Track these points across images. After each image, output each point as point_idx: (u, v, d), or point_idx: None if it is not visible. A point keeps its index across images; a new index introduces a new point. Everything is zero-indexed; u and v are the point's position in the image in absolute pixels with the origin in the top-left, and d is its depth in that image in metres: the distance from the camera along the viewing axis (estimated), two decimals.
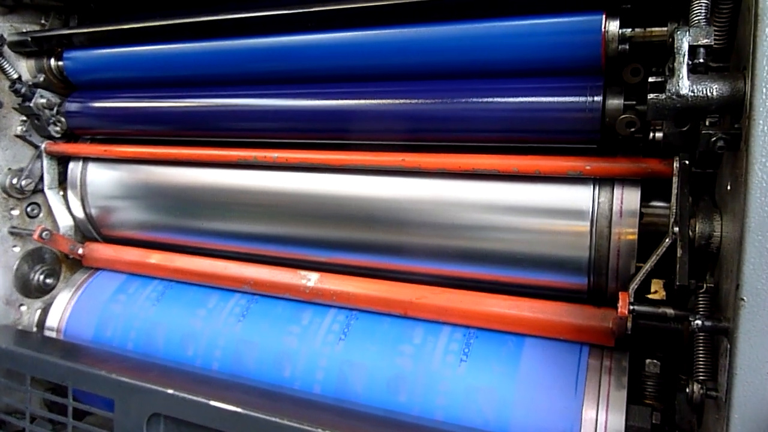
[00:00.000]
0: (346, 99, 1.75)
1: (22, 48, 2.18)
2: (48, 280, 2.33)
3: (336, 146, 1.83)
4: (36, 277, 2.30)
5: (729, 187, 1.20)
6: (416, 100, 1.66)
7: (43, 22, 2.25)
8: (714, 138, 1.15)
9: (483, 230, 1.66)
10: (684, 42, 1.14)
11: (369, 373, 1.69)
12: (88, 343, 2.07)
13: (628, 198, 1.51)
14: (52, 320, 2.19)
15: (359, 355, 1.72)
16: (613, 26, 1.44)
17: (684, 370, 1.44)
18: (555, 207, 1.58)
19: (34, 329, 2.26)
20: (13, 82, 2.14)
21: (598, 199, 1.54)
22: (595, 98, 1.47)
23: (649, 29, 1.42)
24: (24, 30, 2.20)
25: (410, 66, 1.68)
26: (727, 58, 1.28)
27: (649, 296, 1.57)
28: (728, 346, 1.11)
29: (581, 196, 1.56)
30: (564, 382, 1.55)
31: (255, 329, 1.89)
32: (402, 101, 1.67)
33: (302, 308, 1.90)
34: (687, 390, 1.28)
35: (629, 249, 1.52)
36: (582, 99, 1.49)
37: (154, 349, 1.96)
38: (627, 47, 1.46)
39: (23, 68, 2.22)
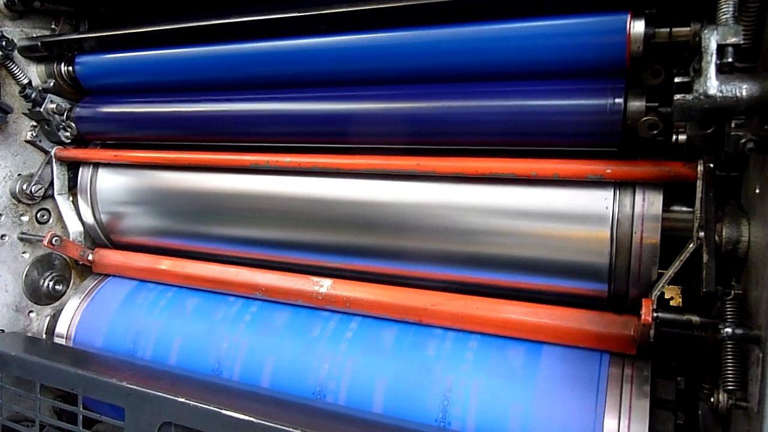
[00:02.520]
0: (363, 102, 1.73)
1: (33, 53, 2.18)
2: (58, 287, 2.31)
3: (351, 150, 1.80)
4: (46, 284, 2.29)
5: (758, 191, 1.17)
6: (433, 103, 1.63)
7: (53, 26, 2.24)
8: (743, 140, 1.11)
9: (500, 235, 1.63)
10: (712, 41, 1.10)
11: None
12: (98, 350, 2.05)
13: (650, 202, 1.48)
14: (62, 327, 2.17)
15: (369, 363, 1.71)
16: (639, 27, 1.40)
17: (707, 379, 1.40)
18: (574, 211, 1.55)
19: (44, 336, 2.25)
20: (24, 87, 2.13)
21: (619, 203, 1.50)
22: (617, 100, 1.44)
23: (674, 29, 1.39)
24: (34, 35, 2.19)
25: (427, 68, 1.65)
26: (753, 58, 1.25)
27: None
28: (760, 354, 1.07)
29: (601, 201, 1.52)
30: (584, 390, 1.51)
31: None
32: (418, 104, 1.65)
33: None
34: (711, 399, 1.25)
35: (651, 254, 1.48)
36: (603, 101, 1.45)
37: (166, 357, 1.94)
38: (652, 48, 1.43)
39: (33, 73, 2.22)
